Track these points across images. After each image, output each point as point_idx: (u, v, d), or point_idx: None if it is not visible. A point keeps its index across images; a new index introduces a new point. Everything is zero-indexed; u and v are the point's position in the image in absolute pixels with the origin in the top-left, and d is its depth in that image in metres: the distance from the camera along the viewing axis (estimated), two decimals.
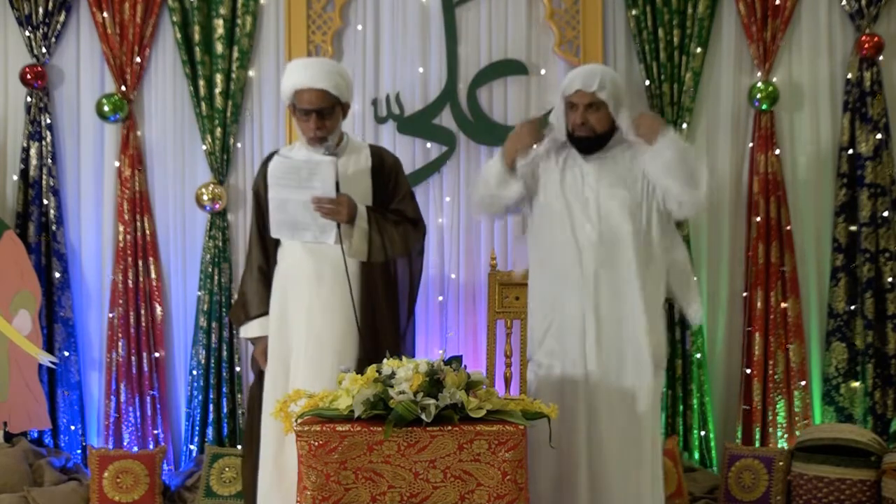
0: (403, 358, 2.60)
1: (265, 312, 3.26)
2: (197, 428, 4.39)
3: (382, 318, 3.19)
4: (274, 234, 3.15)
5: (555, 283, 3.16)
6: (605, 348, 3.07)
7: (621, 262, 3.08)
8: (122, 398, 4.41)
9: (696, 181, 3.04)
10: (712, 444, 4.33)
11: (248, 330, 3.33)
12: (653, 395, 3.10)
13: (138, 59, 4.42)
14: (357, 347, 3.11)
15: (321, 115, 3.11)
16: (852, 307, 4.31)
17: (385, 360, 2.61)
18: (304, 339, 3.12)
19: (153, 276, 4.46)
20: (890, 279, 4.27)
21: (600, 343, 3.07)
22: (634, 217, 3.10)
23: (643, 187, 3.13)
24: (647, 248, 3.11)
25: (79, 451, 4.46)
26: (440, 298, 4.41)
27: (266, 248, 3.30)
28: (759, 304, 4.31)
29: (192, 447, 4.40)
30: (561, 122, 3.20)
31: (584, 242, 3.10)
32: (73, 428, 4.46)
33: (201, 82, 4.39)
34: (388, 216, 3.19)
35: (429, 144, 4.40)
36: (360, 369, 2.65)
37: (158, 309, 4.47)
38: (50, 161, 4.47)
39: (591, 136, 3.12)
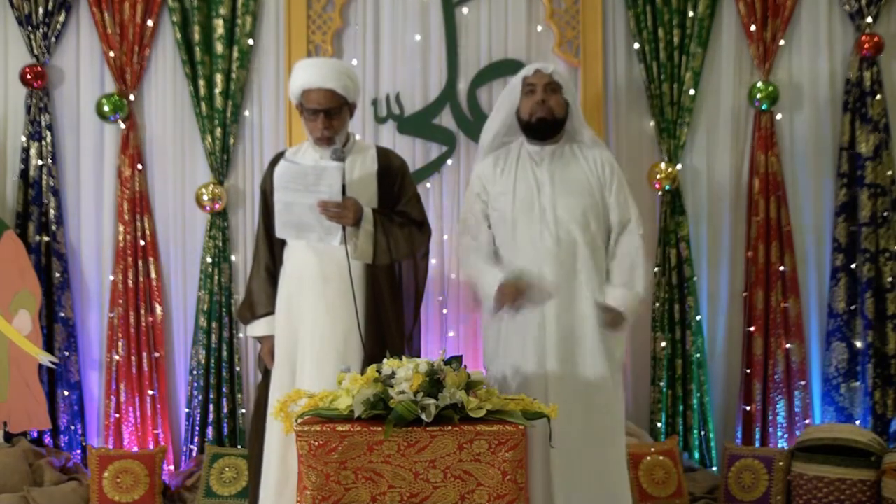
0: (403, 358, 2.60)
1: (271, 311, 3.28)
2: (197, 428, 4.38)
3: (388, 321, 3.19)
4: (279, 234, 3.15)
5: None
6: (564, 353, 3.11)
7: (576, 269, 3.14)
8: (122, 398, 4.41)
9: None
10: (712, 444, 4.33)
11: (255, 329, 3.35)
12: (613, 396, 3.16)
13: (138, 59, 4.43)
14: (361, 349, 3.11)
15: (329, 115, 3.13)
16: (852, 307, 4.31)
17: (385, 360, 2.61)
18: (309, 339, 3.13)
19: (153, 276, 4.46)
20: (890, 279, 4.27)
21: (559, 348, 3.10)
22: (588, 223, 3.17)
23: (599, 195, 3.20)
24: (600, 253, 3.20)
25: (79, 451, 4.45)
26: (440, 298, 4.41)
27: (273, 248, 3.31)
28: (759, 304, 4.31)
29: (192, 447, 4.40)
30: (513, 122, 3.26)
31: (543, 251, 3.13)
32: (73, 428, 4.46)
33: (201, 82, 4.39)
34: (394, 218, 3.19)
35: (429, 144, 4.40)
36: (365, 371, 2.64)
37: (158, 309, 4.47)
38: (50, 161, 4.47)
39: (551, 118, 3.19)
